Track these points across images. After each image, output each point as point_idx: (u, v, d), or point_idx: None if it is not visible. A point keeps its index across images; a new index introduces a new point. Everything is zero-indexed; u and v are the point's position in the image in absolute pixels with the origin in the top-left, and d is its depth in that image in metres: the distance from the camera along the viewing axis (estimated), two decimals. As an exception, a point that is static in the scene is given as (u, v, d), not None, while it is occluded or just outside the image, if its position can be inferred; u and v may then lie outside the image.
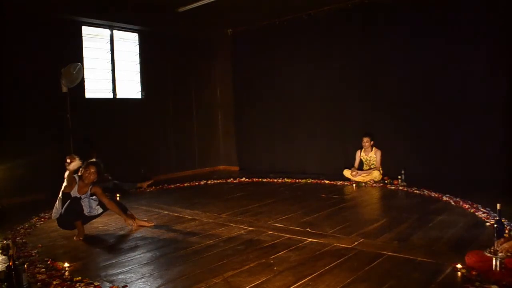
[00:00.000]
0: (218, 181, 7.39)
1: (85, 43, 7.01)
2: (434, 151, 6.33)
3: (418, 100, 6.46)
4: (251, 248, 3.51)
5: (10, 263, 2.70)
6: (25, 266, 2.83)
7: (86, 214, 4.18)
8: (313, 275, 2.84)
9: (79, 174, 4.21)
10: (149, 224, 4.42)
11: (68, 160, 3.96)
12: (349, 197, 5.72)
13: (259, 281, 2.77)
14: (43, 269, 3.13)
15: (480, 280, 2.61)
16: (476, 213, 4.34)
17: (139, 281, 2.89)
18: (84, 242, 3.95)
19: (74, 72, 6.21)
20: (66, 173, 4.04)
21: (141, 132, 7.78)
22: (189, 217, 4.77)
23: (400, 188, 5.99)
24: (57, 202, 4.15)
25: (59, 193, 4.15)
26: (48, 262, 3.30)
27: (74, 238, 4.00)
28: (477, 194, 5.05)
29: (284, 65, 8.00)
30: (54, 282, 2.85)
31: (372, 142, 6.63)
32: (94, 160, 4.34)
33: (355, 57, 7.12)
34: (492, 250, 2.75)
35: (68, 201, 4.07)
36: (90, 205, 4.22)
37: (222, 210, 5.06)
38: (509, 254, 2.68)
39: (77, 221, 4.05)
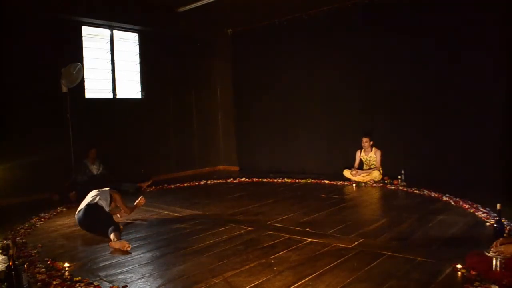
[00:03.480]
0: (218, 181, 7.39)
1: (85, 43, 7.01)
2: (434, 151, 6.33)
3: (418, 100, 6.45)
4: (251, 248, 3.51)
5: (10, 263, 2.70)
6: (25, 266, 2.83)
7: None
8: (313, 275, 2.84)
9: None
10: (142, 201, 4.81)
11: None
12: (349, 197, 5.72)
13: (259, 281, 2.77)
14: (43, 269, 3.13)
15: (480, 280, 2.61)
16: (476, 213, 4.34)
17: (139, 281, 2.89)
18: (84, 242, 3.96)
19: (74, 72, 6.21)
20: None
21: (141, 132, 7.78)
22: (189, 217, 4.77)
23: (400, 188, 5.99)
24: (102, 201, 4.37)
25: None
26: (48, 262, 3.30)
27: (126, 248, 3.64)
28: (477, 194, 5.05)
29: (284, 65, 7.99)
30: (54, 282, 2.85)
31: (371, 142, 6.63)
32: (115, 189, 4.81)
33: (355, 57, 7.11)
34: (492, 250, 2.75)
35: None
36: None
37: (222, 210, 5.06)
38: (508, 256, 2.67)
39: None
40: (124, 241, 3.61)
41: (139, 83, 7.89)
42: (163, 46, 8.13)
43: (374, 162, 6.62)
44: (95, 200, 4.30)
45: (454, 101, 6.10)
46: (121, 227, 4.34)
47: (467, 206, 4.64)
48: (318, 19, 7.46)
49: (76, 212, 4.32)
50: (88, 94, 7.08)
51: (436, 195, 5.31)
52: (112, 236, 3.73)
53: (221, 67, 9.16)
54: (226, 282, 2.78)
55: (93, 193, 4.48)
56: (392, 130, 6.76)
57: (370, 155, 6.67)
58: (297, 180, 7.04)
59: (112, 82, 7.44)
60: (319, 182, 6.84)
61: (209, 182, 7.36)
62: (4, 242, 3.76)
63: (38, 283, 2.86)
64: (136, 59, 7.84)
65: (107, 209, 4.37)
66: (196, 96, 8.83)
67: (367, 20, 6.88)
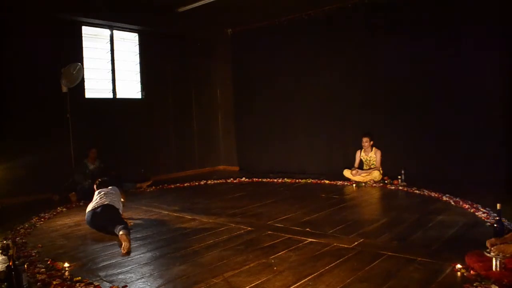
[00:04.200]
0: (218, 181, 7.39)
1: (85, 43, 7.01)
2: (434, 151, 6.32)
3: (418, 100, 6.45)
4: (251, 248, 3.51)
5: (10, 263, 2.70)
6: (25, 266, 2.83)
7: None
8: (313, 275, 2.84)
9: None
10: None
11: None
12: (349, 197, 5.72)
13: (259, 281, 2.77)
14: (43, 269, 3.13)
15: (480, 280, 2.61)
16: (476, 213, 4.34)
17: (139, 281, 2.89)
18: (84, 242, 3.96)
19: (74, 72, 6.22)
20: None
21: (141, 132, 7.78)
22: (189, 217, 4.77)
23: (400, 188, 5.99)
24: (120, 205, 4.47)
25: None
26: (48, 262, 3.30)
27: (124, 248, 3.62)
28: (477, 194, 5.05)
29: (284, 65, 7.99)
30: (54, 282, 2.85)
31: (371, 142, 6.63)
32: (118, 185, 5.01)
33: (355, 57, 7.12)
34: (491, 250, 2.75)
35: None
36: None
37: (222, 210, 5.06)
38: (507, 255, 2.67)
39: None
40: (128, 243, 3.61)
41: (139, 83, 7.89)
42: (163, 46, 8.13)
43: (374, 162, 6.62)
44: (113, 203, 4.30)
45: (454, 101, 6.10)
46: (131, 223, 4.44)
47: (467, 206, 4.64)
48: (318, 19, 7.46)
49: (90, 209, 4.25)
50: (88, 94, 7.08)
51: (436, 195, 5.31)
52: (121, 232, 3.75)
53: (221, 67, 9.16)
54: (226, 282, 2.78)
55: (104, 194, 4.44)
56: (392, 130, 6.75)
57: (370, 155, 6.67)
58: (297, 180, 7.04)
59: (112, 82, 7.44)
60: (319, 182, 6.85)
61: (209, 182, 7.36)
62: (4, 242, 3.77)
63: (38, 283, 2.86)
64: (136, 59, 7.84)
65: (120, 210, 4.44)
66: (196, 96, 8.83)
67: (367, 20, 6.87)
